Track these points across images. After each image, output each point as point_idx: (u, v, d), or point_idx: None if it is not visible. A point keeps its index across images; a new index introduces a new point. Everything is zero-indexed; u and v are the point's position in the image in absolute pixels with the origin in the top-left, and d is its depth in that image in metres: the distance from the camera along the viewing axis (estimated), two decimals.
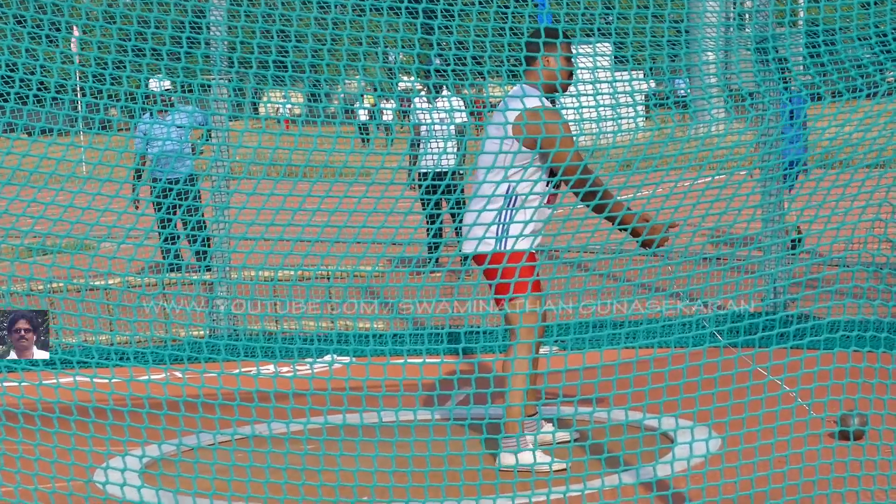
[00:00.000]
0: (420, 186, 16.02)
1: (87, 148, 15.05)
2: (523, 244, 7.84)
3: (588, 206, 7.63)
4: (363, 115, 24.22)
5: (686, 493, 6.70)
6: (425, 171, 15.99)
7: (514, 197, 7.82)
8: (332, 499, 6.43)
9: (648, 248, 7.63)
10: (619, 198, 7.68)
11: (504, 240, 7.82)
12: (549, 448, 8.13)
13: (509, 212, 7.83)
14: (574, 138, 7.81)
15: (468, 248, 8.00)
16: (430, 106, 16.65)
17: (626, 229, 7.57)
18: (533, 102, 7.87)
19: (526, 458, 7.75)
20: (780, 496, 5.67)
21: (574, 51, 8.20)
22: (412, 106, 17.10)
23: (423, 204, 15.07)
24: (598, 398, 8.37)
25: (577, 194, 7.53)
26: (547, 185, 7.85)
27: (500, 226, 7.84)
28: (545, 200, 7.94)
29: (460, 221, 12.69)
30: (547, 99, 8.06)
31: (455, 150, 16.49)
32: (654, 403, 7.63)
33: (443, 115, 15.95)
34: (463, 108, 17.02)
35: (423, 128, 16.54)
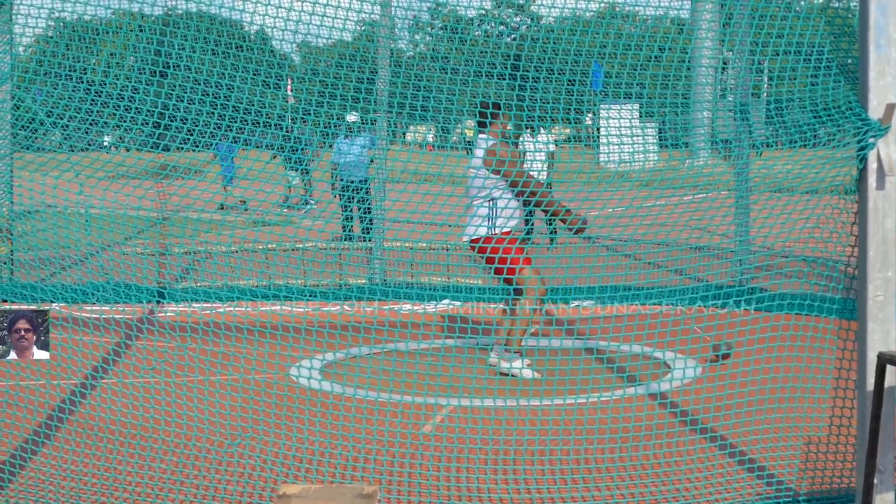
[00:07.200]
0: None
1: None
2: (511, 224, 7.72)
3: (530, 202, 7.70)
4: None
5: (679, 402, 6.55)
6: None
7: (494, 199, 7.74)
8: (436, 382, 6.36)
9: (576, 234, 7.56)
10: (555, 198, 7.68)
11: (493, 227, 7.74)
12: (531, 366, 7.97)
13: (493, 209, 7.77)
14: (518, 161, 7.84)
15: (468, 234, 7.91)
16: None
17: (562, 219, 7.50)
18: (491, 143, 7.83)
19: (516, 365, 7.70)
20: (742, 406, 5.50)
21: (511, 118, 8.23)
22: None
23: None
24: (622, 337, 8.21)
25: (524, 196, 7.67)
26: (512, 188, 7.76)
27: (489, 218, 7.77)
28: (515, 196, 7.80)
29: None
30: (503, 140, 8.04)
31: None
32: (660, 342, 7.46)
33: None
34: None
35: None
